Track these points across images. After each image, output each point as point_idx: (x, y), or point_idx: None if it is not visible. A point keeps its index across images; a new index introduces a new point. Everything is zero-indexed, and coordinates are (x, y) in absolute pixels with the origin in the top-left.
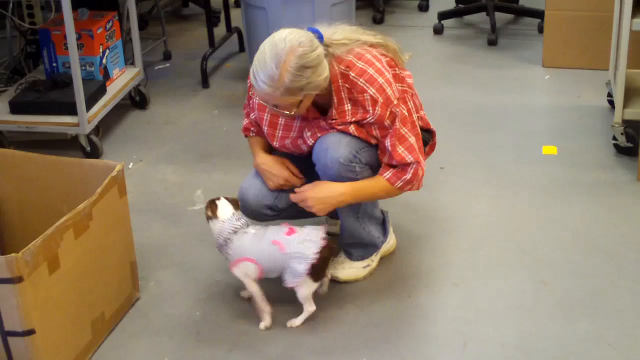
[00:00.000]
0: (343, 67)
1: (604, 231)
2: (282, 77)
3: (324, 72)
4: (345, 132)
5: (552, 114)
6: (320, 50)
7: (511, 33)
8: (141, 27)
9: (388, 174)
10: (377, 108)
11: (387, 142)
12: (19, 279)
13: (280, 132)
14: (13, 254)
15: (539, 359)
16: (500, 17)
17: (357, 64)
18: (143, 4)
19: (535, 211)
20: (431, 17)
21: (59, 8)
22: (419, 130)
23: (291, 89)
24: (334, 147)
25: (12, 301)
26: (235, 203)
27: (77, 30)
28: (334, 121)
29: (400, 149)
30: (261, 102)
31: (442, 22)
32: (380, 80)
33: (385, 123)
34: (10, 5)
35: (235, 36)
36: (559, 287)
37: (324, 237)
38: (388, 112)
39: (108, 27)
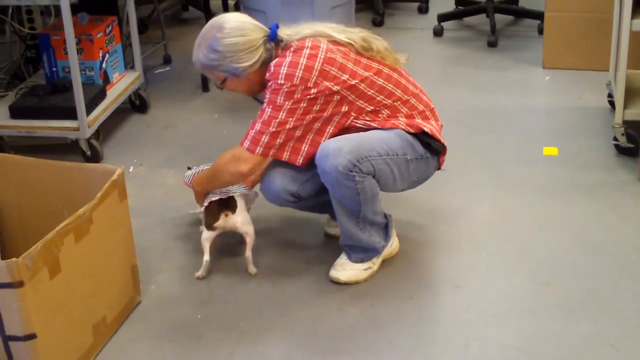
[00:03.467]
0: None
1: (605, 232)
2: (197, 54)
3: (244, 62)
4: (353, 137)
5: (552, 115)
6: (246, 40)
7: (511, 34)
8: (141, 31)
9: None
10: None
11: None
12: (19, 284)
13: None
14: (14, 259)
15: (540, 359)
16: (500, 18)
17: (286, 57)
18: (143, 8)
19: (536, 212)
20: (431, 19)
21: (58, 13)
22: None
23: (204, 64)
24: (335, 154)
25: (13, 306)
26: None
27: (77, 34)
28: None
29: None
30: None
31: (442, 24)
32: (283, 61)
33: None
34: (10, 10)
35: None
36: (560, 288)
37: (230, 195)
38: (270, 89)
39: (108, 31)
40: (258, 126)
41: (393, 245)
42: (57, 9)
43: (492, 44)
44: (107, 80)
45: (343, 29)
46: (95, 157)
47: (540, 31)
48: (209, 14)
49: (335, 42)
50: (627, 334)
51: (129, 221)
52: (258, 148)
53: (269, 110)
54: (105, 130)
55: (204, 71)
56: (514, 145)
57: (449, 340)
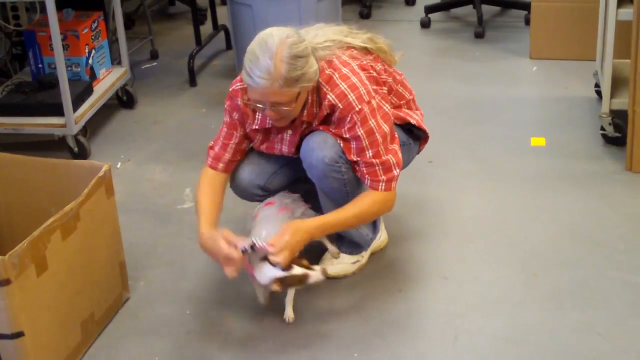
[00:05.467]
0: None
1: (593, 221)
2: (278, 68)
3: (314, 64)
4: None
5: (540, 105)
6: (307, 43)
7: (498, 25)
8: (127, 26)
9: (368, 181)
10: (335, 113)
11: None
12: (6, 282)
13: (258, 143)
14: (0, 257)
15: (529, 350)
16: (487, 9)
17: (326, 71)
18: (129, 3)
19: (524, 203)
20: (418, 11)
21: (43, 9)
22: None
23: (288, 79)
24: (320, 147)
25: (0, 304)
26: None
27: (63, 31)
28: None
29: (369, 153)
30: (256, 104)
31: (429, 15)
32: (343, 86)
33: (347, 127)
34: None
35: (222, 34)
36: (548, 278)
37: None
38: (349, 117)
39: (94, 27)
40: (379, 161)
41: (382, 238)
42: (43, 5)
43: (479, 35)
44: (93, 76)
45: (349, 31)
46: (83, 154)
47: (527, 22)
48: (196, 9)
49: (350, 47)
50: (615, 324)
51: (116, 217)
52: (393, 183)
53: (373, 140)
54: (93, 126)
55: (283, 92)
56: (501, 136)
57: (438, 332)
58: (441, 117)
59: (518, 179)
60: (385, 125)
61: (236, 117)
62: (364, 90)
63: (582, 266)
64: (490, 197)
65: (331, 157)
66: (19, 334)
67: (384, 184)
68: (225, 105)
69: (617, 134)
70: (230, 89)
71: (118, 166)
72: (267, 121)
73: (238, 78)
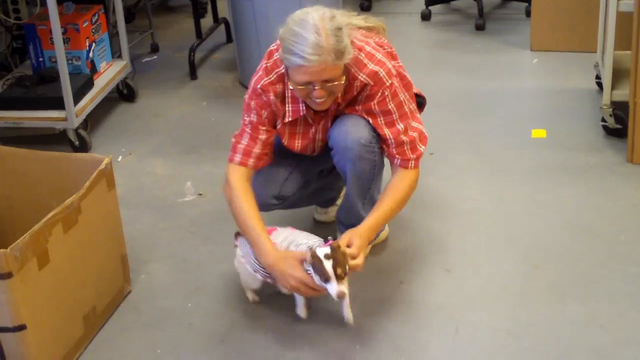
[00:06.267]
0: None
1: (595, 213)
2: (328, 41)
3: (348, 39)
4: (354, 115)
5: (540, 97)
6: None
7: (499, 17)
8: (128, 19)
9: (398, 160)
10: (365, 91)
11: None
12: (8, 275)
13: (299, 140)
14: (1, 250)
15: (530, 342)
16: (488, 1)
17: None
18: None
19: (525, 195)
20: (419, 3)
21: (44, 2)
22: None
23: (338, 51)
24: (355, 129)
25: (1, 297)
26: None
27: (63, 24)
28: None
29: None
30: (304, 86)
31: (430, 8)
32: (371, 65)
33: (377, 100)
34: None
35: (222, 27)
36: (550, 271)
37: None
38: (380, 92)
39: (94, 20)
40: (408, 139)
41: (383, 229)
42: None
43: (479, 27)
44: (94, 69)
45: (348, 14)
46: (84, 147)
47: (528, 14)
48: (196, 2)
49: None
50: (617, 315)
51: (117, 210)
52: (420, 160)
53: (402, 114)
54: (93, 119)
55: (335, 65)
56: (502, 128)
57: (439, 324)
58: (442, 110)
59: (519, 171)
60: (412, 102)
61: (265, 115)
62: (390, 66)
63: (583, 258)
64: (491, 189)
65: (366, 137)
66: (21, 327)
67: (413, 162)
68: (251, 104)
69: (618, 126)
70: (258, 86)
71: (119, 159)
72: (302, 109)
73: (260, 74)
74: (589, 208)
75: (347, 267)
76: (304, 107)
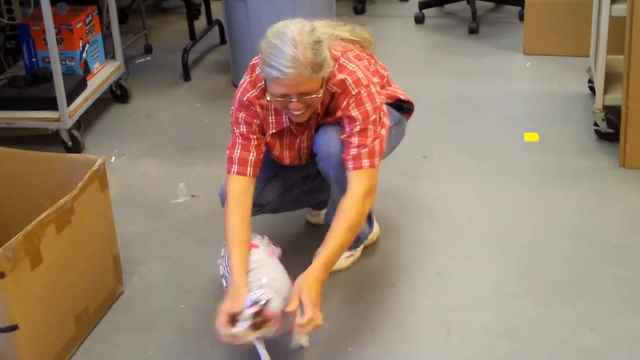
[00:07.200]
0: None
1: (586, 217)
2: (305, 54)
3: (328, 53)
4: None
5: (533, 101)
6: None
7: (492, 21)
8: (121, 20)
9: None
10: (334, 100)
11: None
12: (1, 275)
13: (278, 150)
14: None
15: (522, 344)
16: (481, 5)
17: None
18: None
19: (517, 198)
20: (412, 7)
21: (37, 3)
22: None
23: (315, 64)
24: (337, 135)
25: None
26: None
27: (57, 25)
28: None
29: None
30: (281, 98)
31: (423, 11)
32: (341, 75)
33: (342, 107)
34: None
35: (216, 29)
36: (541, 273)
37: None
38: (346, 101)
39: (88, 21)
40: (369, 140)
41: (374, 231)
42: None
43: (473, 31)
44: (87, 70)
45: (333, 24)
46: (77, 148)
47: (521, 17)
48: (190, 3)
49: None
50: (608, 318)
51: (110, 211)
52: (376, 159)
53: (365, 125)
54: (86, 120)
55: (312, 79)
56: (495, 132)
57: (431, 326)
58: (435, 113)
59: (511, 174)
60: (376, 114)
61: (257, 124)
62: (362, 75)
63: (575, 261)
64: (484, 192)
65: None
66: (13, 327)
67: (367, 160)
68: (239, 116)
69: (610, 130)
70: (244, 99)
71: (112, 160)
72: (285, 120)
73: (245, 87)
74: (581, 211)
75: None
76: (287, 119)
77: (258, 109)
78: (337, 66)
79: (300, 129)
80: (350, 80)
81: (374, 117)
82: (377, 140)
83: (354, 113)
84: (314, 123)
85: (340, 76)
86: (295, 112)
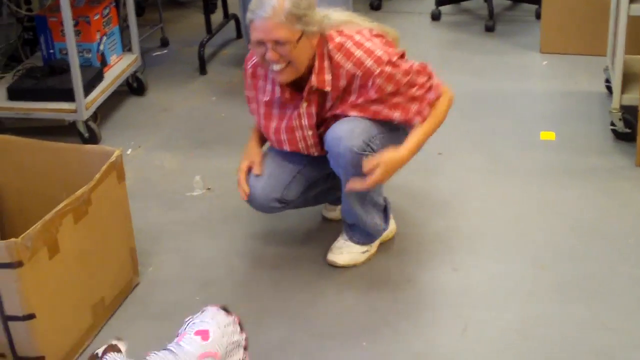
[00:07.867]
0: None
1: (603, 216)
2: (282, 3)
3: (317, 15)
4: (358, 119)
5: (550, 100)
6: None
7: (509, 19)
8: (138, 13)
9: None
10: (356, 82)
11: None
12: (19, 264)
13: (275, 122)
14: (13, 239)
15: (538, 342)
16: (498, 3)
17: (336, 39)
18: None
19: (533, 197)
20: (429, 3)
21: None
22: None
23: (291, 14)
24: (348, 135)
25: (12, 286)
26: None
27: (74, 16)
28: (330, 110)
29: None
30: (257, 44)
31: (440, 8)
32: (358, 53)
33: (374, 90)
34: None
35: (232, 23)
36: (558, 272)
37: None
38: (371, 82)
39: (105, 13)
40: (418, 104)
41: (390, 227)
42: None
43: (489, 29)
44: (104, 62)
45: (359, 17)
46: (93, 139)
47: (538, 16)
48: None
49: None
50: (624, 317)
51: (127, 203)
52: (435, 78)
53: (402, 92)
54: (103, 112)
55: (285, 27)
56: (511, 130)
57: (447, 323)
58: (451, 110)
59: (527, 173)
60: (410, 74)
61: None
62: (381, 52)
63: (590, 260)
64: (499, 190)
65: (359, 145)
66: (30, 316)
67: (433, 94)
68: (247, 97)
69: (627, 130)
70: (248, 66)
71: (128, 152)
72: (276, 90)
73: (249, 55)
74: (597, 211)
75: None
76: (279, 90)
77: (258, 78)
78: (351, 43)
79: (292, 99)
80: (371, 61)
81: (407, 80)
82: (422, 90)
83: (389, 89)
84: (314, 100)
85: (359, 55)
86: (275, 67)
